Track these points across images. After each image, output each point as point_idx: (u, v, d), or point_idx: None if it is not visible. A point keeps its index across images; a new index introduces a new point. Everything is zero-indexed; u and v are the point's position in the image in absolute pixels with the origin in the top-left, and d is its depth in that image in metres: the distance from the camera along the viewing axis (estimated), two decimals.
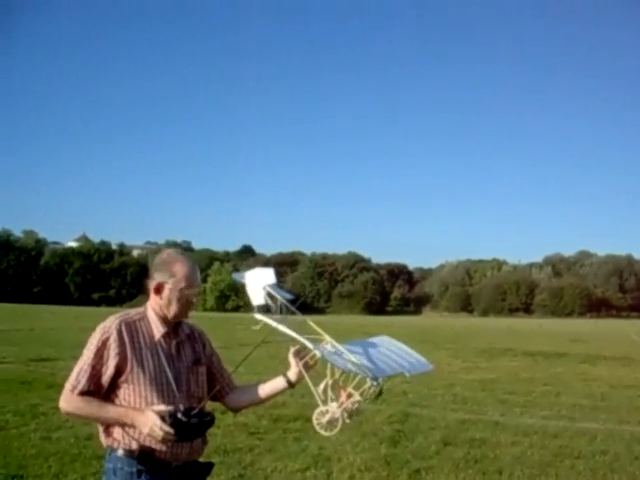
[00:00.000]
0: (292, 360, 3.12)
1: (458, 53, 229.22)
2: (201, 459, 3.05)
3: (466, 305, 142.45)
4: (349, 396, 2.96)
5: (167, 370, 2.89)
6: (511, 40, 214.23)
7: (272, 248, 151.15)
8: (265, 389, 3.18)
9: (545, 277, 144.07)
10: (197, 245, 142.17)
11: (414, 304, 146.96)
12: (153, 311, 2.97)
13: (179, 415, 2.72)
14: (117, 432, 2.85)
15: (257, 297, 3.18)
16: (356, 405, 2.95)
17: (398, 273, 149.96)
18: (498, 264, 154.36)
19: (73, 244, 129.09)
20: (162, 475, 2.85)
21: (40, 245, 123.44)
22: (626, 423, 10.21)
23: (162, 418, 2.72)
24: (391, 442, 8.35)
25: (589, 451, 8.23)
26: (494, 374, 16.88)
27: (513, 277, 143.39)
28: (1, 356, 16.58)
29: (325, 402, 2.95)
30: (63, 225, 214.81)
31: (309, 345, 2.94)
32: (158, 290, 2.95)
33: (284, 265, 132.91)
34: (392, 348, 3.21)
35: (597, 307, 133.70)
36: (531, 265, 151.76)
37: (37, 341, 22.17)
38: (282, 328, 3.05)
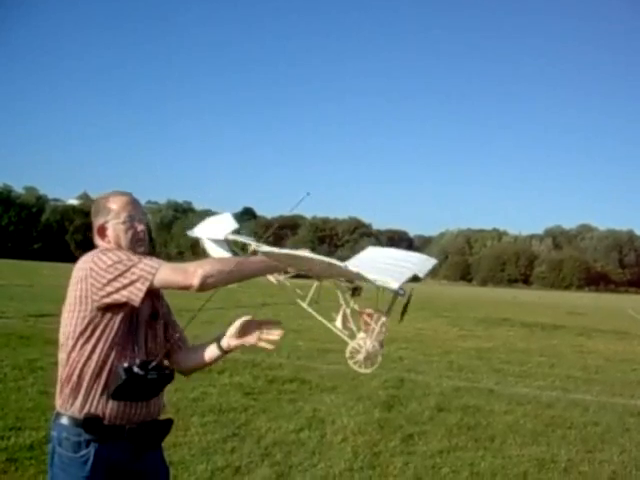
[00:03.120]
0: (235, 328, 2.82)
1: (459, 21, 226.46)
2: (160, 417, 2.83)
3: (465, 274, 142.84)
4: (372, 317, 2.58)
5: (126, 324, 2.65)
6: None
7: (273, 211, 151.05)
8: (206, 353, 2.90)
9: (545, 249, 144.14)
10: (198, 206, 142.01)
11: None
12: None
13: (135, 369, 2.54)
14: (66, 390, 2.63)
15: (218, 251, 2.89)
16: (384, 328, 2.57)
17: (398, 240, 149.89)
18: (498, 234, 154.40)
19: (74, 202, 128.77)
20: (114, 441, 2.62)
21: (41, 202, 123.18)
22: (619, 396, 10.28)
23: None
24: (385, 407, 8.41)
25: (581, 422, 8.30)
26: (490, 343, 16.97)
27: (513, 248, 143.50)
28: (0, 311, 16.64)
29: (352, 336, 2.60)
30: (64, 182, 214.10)
31: (339, 263, 2.48)
32: (102, 232, 2.75)
33: (285, 228, 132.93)
34: (388, 254, 2.92)
35: (596, 281, 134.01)
36: (531, 237, 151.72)
37: (37, 297, 22.24)
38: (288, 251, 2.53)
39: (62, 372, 2.66)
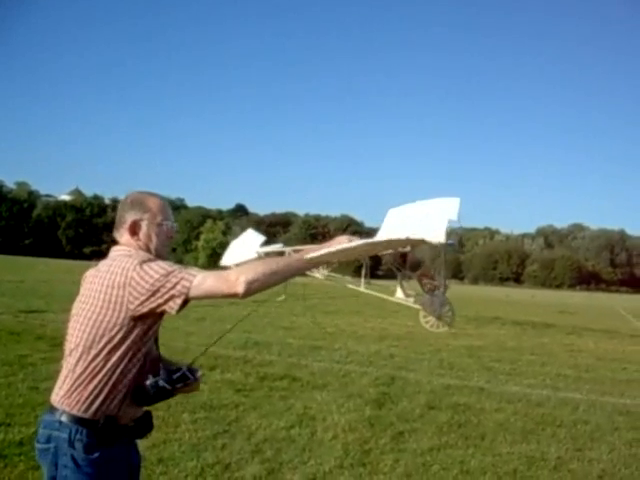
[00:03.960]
0: None
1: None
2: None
3: (457, 272, 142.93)
4: (429, 277, 2.72)
5: (152, 333, 2.69)
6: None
7: (265, 208, 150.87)
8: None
9: (537, 248, 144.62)
10: (191, 202, 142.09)
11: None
12: None
13: (161, 383, 2.60)
14: (84, 392, 2.59)
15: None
16: (445, 282, 2.71)
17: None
18: (490, 233, 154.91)
19: (66, 197, 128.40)
20: (121, 439, 2.66)
21: (33, 197, 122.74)
22: (608, 395, 10.32)
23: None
24: (376, 404, 8.42)
25: (571, 420, 8.33)
26: (481, 341, 17.01)
27: (505, 247, 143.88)
28: None
29: (418, 300, 2.73)
30: (56, 178, 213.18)
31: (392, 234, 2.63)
32: (134, 229, 2.74)
33: (277, 225, 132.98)
34: (411, 211, 2.97)
35: (587, 280, 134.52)
36: (523, 236, 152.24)
37: (27, 293, 22.18)
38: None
39: (80, 375, 2.61)
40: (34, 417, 6.56)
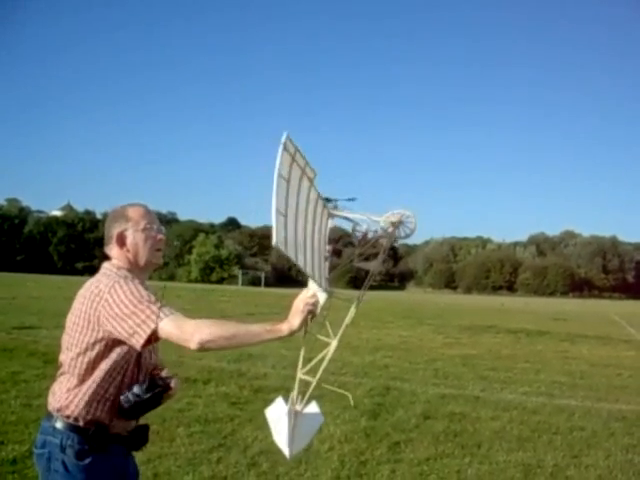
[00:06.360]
0: None
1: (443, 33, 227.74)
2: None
3: (450, 282, 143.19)
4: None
5: None
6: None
7: (257, 220, 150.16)
8: None
9: (529, 256, 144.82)
10: (182, 216, 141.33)
11: (398, 279, 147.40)
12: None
13: (130, 397, 2.64)
14: (74, 399, 2.65)
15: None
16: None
17: None
18: (482, 242, 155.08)
19: (57, 213, 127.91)
20: (112, 448, 2.70)
21: (23, 213, 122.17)
22: (604, 401, 10.33)
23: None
24: (371, 415, 8.41)
25: (567, 427, 8.33)
26: (476, 350, 17.01)
27: (497, 255, 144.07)
28: None
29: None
30: (47, 194, 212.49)
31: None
32: (121, 240, 2.77)
33: (269, 238, 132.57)
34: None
35: (580, 287, 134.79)
36: (515, 244, 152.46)
37: (20, 309, 22.06)
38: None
39: (70, 380, 2.68)
40: (27, 435, 6.52)
